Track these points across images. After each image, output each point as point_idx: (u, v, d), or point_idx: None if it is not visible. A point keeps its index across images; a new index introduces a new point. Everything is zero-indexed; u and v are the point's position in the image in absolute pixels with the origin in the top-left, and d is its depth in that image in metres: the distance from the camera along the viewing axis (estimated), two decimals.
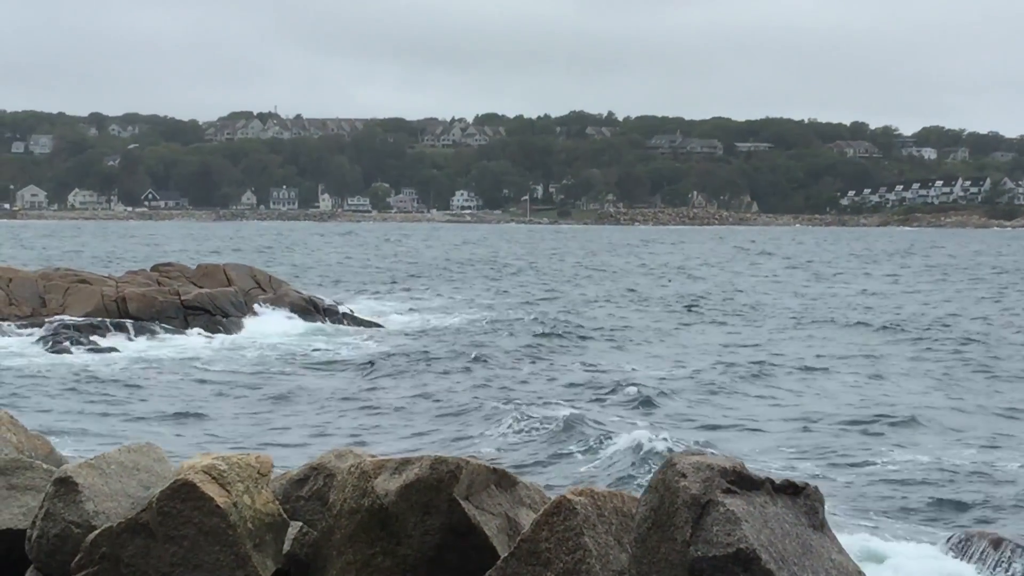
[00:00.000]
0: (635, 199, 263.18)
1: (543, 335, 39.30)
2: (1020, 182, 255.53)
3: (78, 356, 32.55)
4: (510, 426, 22.18)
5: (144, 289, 39.03)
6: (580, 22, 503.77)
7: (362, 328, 41.19)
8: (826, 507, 9.49)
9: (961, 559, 14.03)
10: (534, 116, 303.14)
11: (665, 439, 20.17)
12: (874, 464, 19.98)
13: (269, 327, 39.03)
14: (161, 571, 9.83)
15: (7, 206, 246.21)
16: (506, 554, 9.43)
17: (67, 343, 33.83)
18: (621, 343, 38.18)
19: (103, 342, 34.49)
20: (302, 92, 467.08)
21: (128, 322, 36.50)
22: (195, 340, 36.29)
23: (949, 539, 14.66)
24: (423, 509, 9.81)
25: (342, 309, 43.69)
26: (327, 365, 32.01)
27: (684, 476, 8.84)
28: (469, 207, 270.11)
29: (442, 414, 24.24)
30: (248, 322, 39.23)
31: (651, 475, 17.69)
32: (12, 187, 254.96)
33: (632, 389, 26.85)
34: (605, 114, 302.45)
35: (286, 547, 10.21)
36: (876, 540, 15.27)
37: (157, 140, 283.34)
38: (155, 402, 25.98)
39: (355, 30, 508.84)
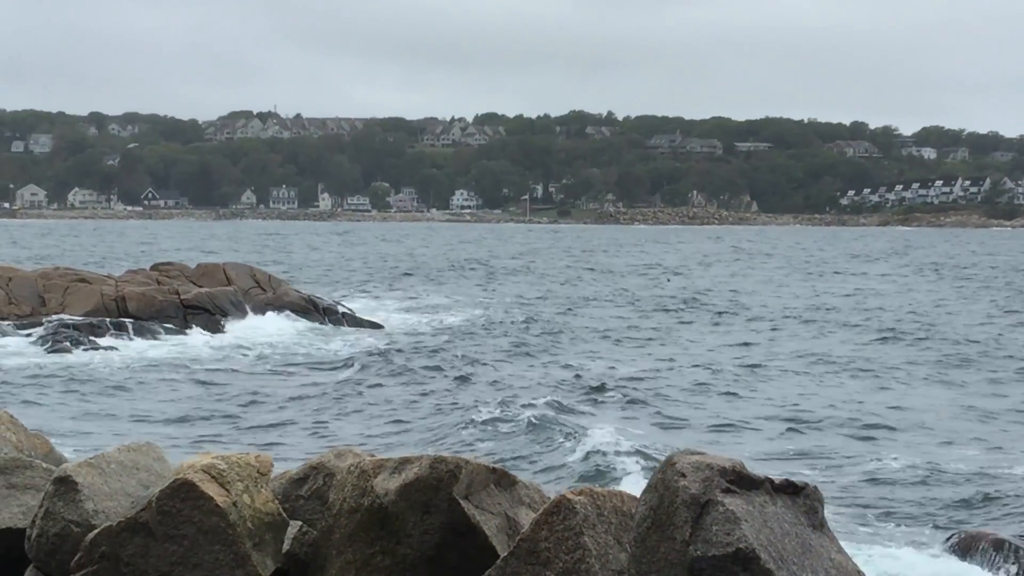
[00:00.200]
0: (635, 199, 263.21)
1: (537, 335, 39.45)
2: (1020, 182, 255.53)
3: (77, 355, 32.54)
4: (498, 424, 22.17)
5: (144, 288, 39.01)
6: (580, 22, 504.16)
7: (361, 328, 41.19)
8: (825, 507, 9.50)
9: (960, 560, 14.04)
10: (534, 116, 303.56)
11: (641, 439, 20.27)
12: (872, 465, 19.98)
13: (269, 326, 39.02)
14: (160, 570, 9.83)
15: (7, 205, 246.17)
16: (506, 553, 9.43)
17: (67, 342, 33.80)
18: (613, 343, 38.23)
19: (102, 341, 34.47)
20: (302, 91, 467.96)
21: (128, 321, 36.48)
22: (195, 339, 36.28)
23: (948, 539, 14.66)
24: (423, 508, 9.81)
25: (341, 309, 43.70)
26: (326, 365, 32.01)
27: (683, 475, 8.85)
28: (469, 207, 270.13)
29: (441, 413, 24.24)
30: (248, 321, 39.23)
31: (617, 472, 17.90)
32: (12, 186, 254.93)
33: (620, 388, 26.99)
34: (605, 114, 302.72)
35: (286, 546, 10.22)
36: (875, 540, 15.27)
37: (157, 139, 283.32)
38: (154, 401, 25.99)
39: (355, 29, 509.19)
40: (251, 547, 9.86)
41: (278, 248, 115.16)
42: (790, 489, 9.16)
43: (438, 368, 30.71)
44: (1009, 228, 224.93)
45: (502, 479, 10.27)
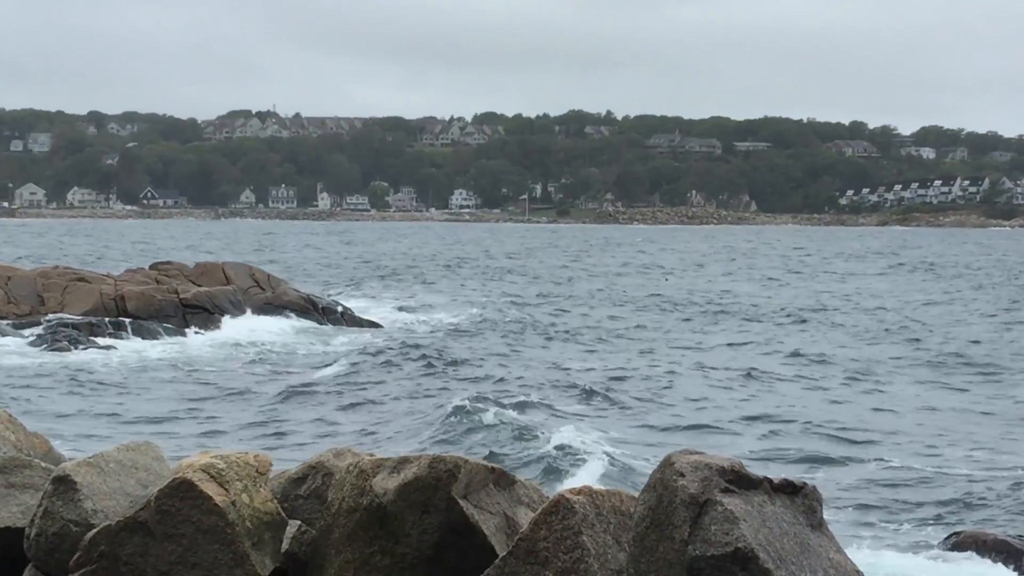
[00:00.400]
0: (634, 198, 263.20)
1: (532, 334, 39.57)
2: (1018, 182, 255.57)
3: (76, 355, 32.53)
4: (491, 422, 22.17)
5: (143, 288, 39.01)
6: (579, 21, 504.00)
7: (360, 327, 41.20)
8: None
9: (959, 560, 14.04)
10: (533, 115, 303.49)
11: (631, 438, 20.27)
12: (870, 465, 20.00)
13: (268, 326, 39.02)
14: (159, 569, 9.83)
15: (5, 204, 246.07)
16: (504, 553, 9.43)
17: (65, 342, 33.80)
18: (606, 342, 38.31)
19: (102, 341, 34.48)
20: (301, 91, 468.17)
21: (127, 321, 36.49)
22: (193, 339, 36.29)
23: (947, 539, 14.67)
24: (421, 508, 9.81)
25: (340, 308, 43.70)
26: (325, 364, 32.02)
27: (682, 475, 8.85)
28: (468, 206, 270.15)
29: (439, 412, 24.23)
30: (247, 321, 39.22)
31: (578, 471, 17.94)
32: (11, 185, 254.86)
33: (611, 388, 27.10)
34: (604, 113, 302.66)
35: (284, 546, 10.21)
36: (874, 540, 15.28)
37: (156, 139, 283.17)
38: (153, 400, 25.99)
39: (354, 29, 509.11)
40: (250, 546, 9.86)
41: (276, 247, 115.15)
42: (789, 489, 9.16)
43: (436, 367, 30.72)
44: (1008, 228, 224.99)
45: (501, 478, 10.27)
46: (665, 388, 27.98)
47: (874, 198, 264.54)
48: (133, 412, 24.48)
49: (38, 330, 35.08)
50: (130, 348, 34.04)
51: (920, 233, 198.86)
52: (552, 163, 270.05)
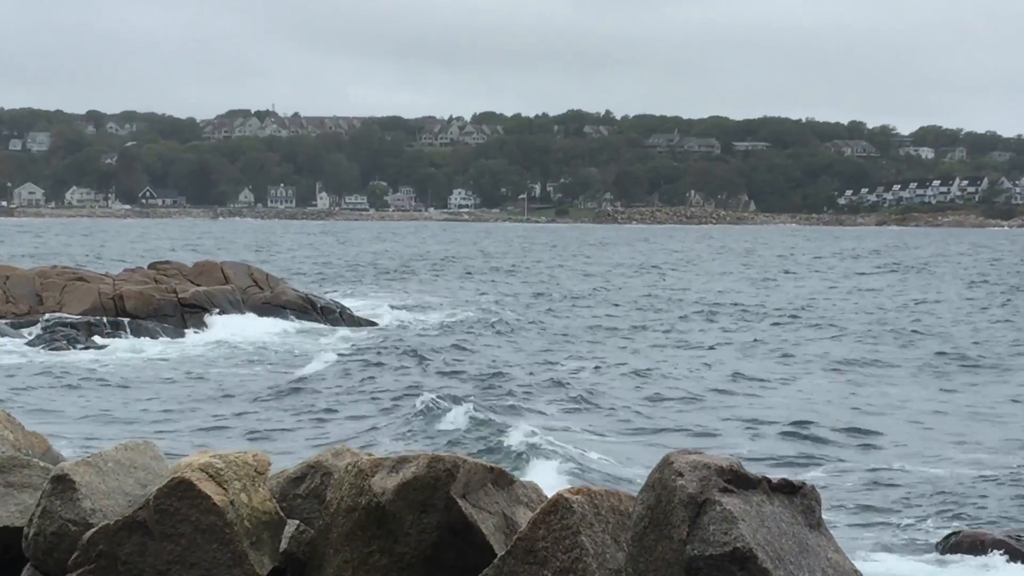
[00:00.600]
0: (633, 198, 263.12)
1: (528, 334, 39.67)
2: (1017, 182, 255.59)
3: (75, 354, 32.53)
4: (477, 422, 22.17)
5: (141, 287, 39.01)
6: (578, 21, 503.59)
7: (358, 326, 41.21)
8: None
9: (958, 560, 14.05)
10: (532, 115, 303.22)
11: (626, 439, 20.22)
12: (869, 465, 20.01)
13: (266, 325, 39.03)
14: (158, 569, 9.83)
15: (4, 204, 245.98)
16: (503, 552, 9.43)
17: (64, 341, 33.80)
18: (600, 342, 38.38)
19: (100, 340, 34.48)
20: (300, 90, 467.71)
21: (125, 320, 36.48)
22: (192, 338, 36.30)
23: (946, 539, 14.68)
24: (420, 507, 9.81)
25: (338, 307, 43.69)
26: (324, 363, 32.00)
27: (681, 475, 8.85)
28: (467, 205, 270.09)
29: (436, 412, 24.22)
30: (245, 320, 39.22)
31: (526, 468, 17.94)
32: (9, 185, 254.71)
33: (606, 387, 27.20)
34: (603, 113, 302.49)
35: (283, 545, 10.21)
36: (872, 540, 15.28)
37: (154, 138, 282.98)
38: (152, 400, 25.98)
39: (353, 28, 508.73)
40: (248, 546, 9.86)
41: (275, 247, 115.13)
42: (787, 488, 9.16)
43: (434, 367, 30.72)
44: (1006, 228, 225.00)
45: (500, 478, 10.27)
46: (661, 388, 27.98)
47: (873, 198, 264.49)
48: (132, 411, 24.48)
49: (36, 329, 35.08)
50: (128, 347, 34.04)
51: (919, 233, 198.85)
52: (551, 163, 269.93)
